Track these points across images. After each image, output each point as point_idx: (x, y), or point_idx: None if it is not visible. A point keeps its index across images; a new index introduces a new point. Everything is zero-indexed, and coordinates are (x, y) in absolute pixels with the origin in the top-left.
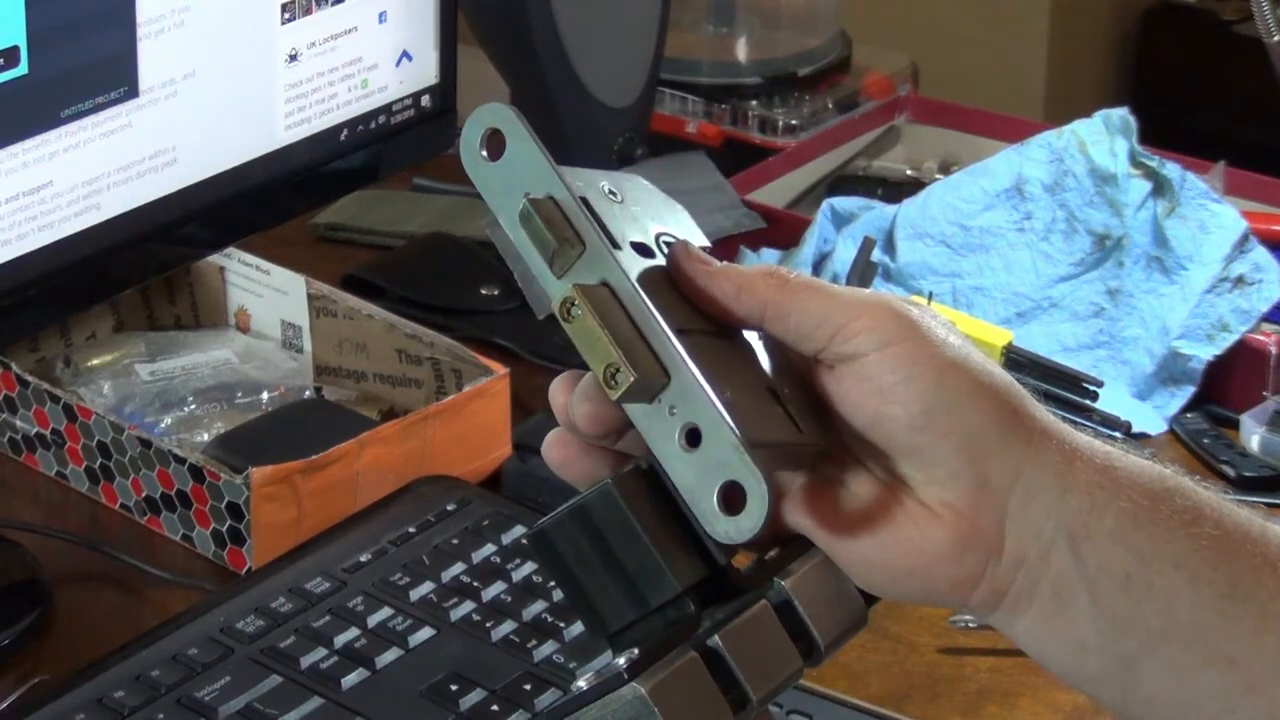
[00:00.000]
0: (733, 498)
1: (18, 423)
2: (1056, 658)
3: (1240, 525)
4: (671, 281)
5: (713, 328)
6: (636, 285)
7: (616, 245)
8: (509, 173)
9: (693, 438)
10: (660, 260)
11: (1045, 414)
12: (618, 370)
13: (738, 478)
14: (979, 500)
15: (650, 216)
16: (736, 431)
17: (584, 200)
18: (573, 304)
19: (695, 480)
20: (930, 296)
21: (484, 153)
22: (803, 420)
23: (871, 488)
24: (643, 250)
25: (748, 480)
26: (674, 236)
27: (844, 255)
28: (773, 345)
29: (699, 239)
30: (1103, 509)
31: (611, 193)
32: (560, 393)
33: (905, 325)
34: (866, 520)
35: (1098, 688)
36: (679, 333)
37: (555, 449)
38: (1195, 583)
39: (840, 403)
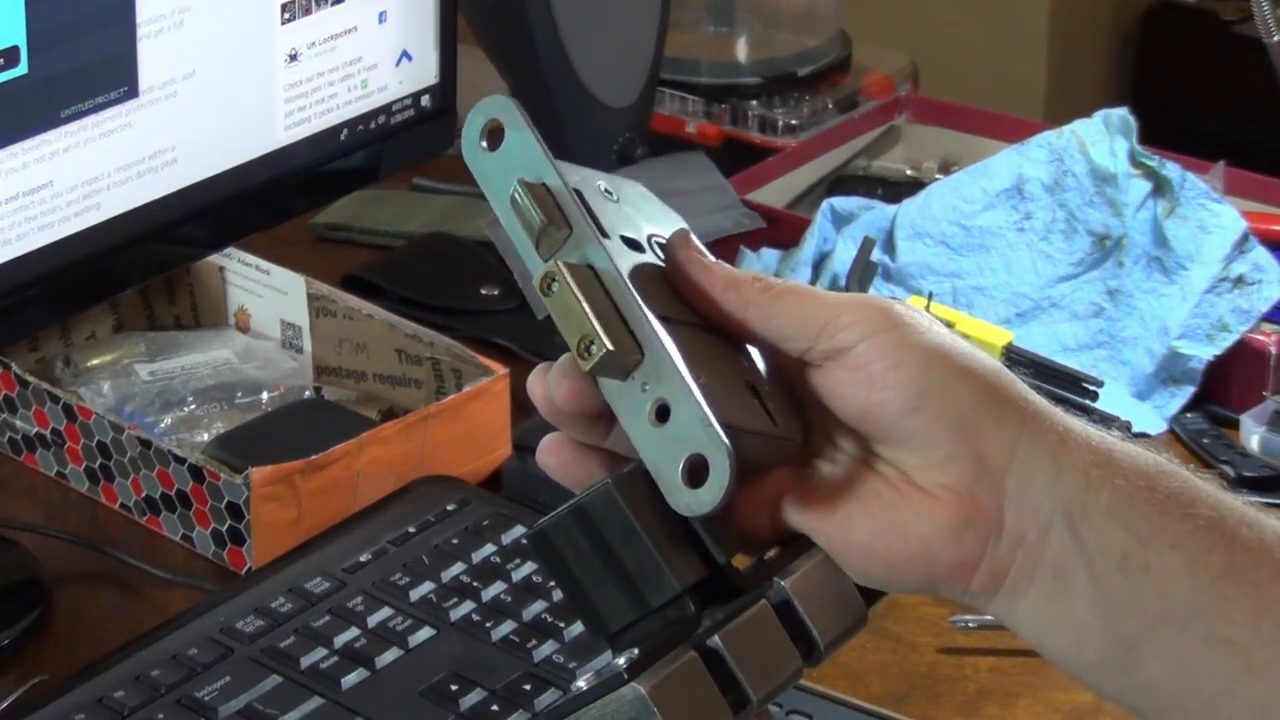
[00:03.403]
0: (697, 471)
1: (18, 423)
2: (1056, 643)
3: (1235, 509)
4: (662, 277)
5: (699, 322)
6: (620, 270)
7: (605, 234)
8: (506, 162)
9: (662, 414)
10: (651, 257)
11: (1036, 397)
12: (592, 342)
13: (702, 450)
14: (976, 479)
15: (645, 218)
16: (704, 405)
17: (577, 191)
18: (554, 279)
19: (662, 455)
20: (930, 296)
21: (483, 144)
22: (779, 415)
23: (867, 479)
24: (633, 245)
25: (711, 453)
26: (665, 239)
27: (844, 255)
28: (759, 350)
29: None
30: (1099, 488)
31: (607, 191)
32: (538, 383)
33: (888, 316)
34: (864, 511)
35: (1096, 674)
36: (662, 320)
37: (550, 454)
38: (1192, 564)
39: (830, 397)
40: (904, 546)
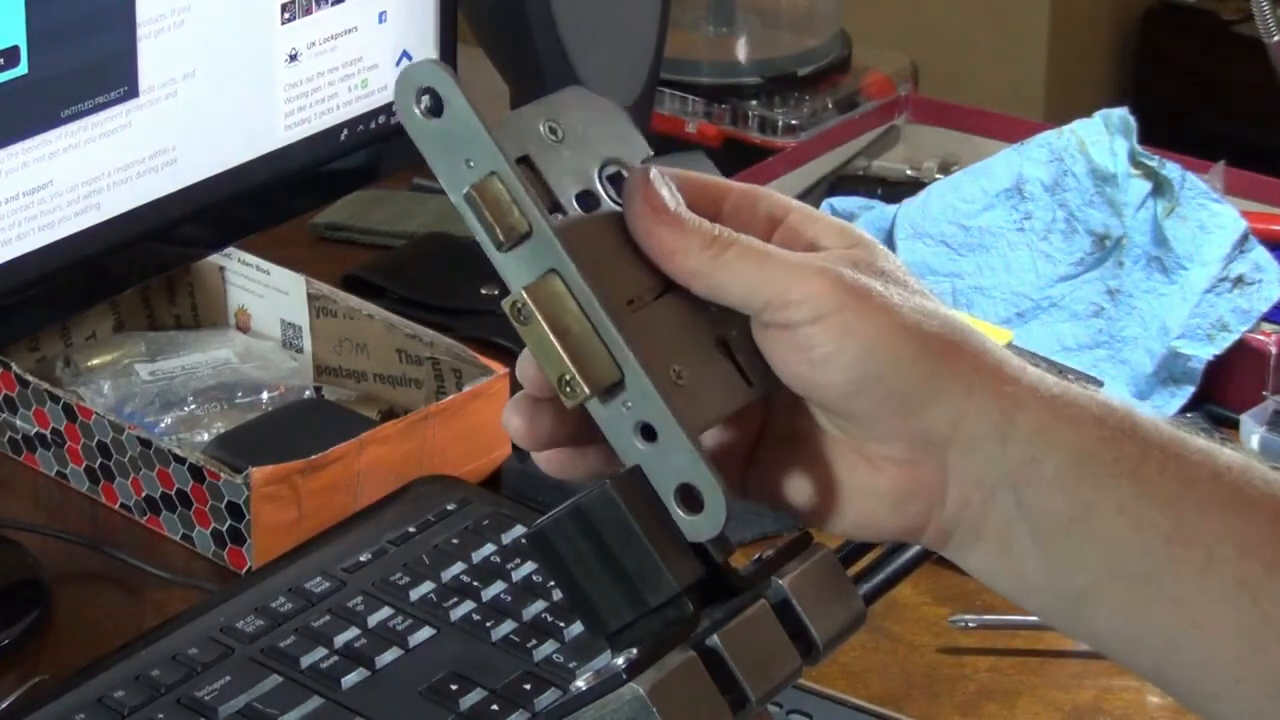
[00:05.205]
0: (689, 498)
1: (18, 423)
2: (1006, 590)
3: (1189, 467)
4: (619, 227)
5: (663, 283)
6: (585, 281)
7: (562, 210)
8: (448, 137)
9: (648, 433)
10: (607, 202)
11: (989, 354)
12: (571, 380)
13: (693, 482)
14: (919, 453)
15: (596, 139)
16: (689, 438)
17: (526, 160)
18: (522, 308)
19: (654, 472)
20: None
21: (419, 111)
22: (751, 368)
23: (819, 442)
24: (587, 198)
25: (704, 488)
26: (621, 163)
27: None
28: None
29: (642, 150)
30: (1043, 459)
31: (552, 131)
32: (515, 416)
33: (840, 293)
34: (808, 472)
35: (1048, 619)
36: (629, 305)
37: (546, 456)
38: (1139, 527)
39: (775, 363)
40: (850, 515)
